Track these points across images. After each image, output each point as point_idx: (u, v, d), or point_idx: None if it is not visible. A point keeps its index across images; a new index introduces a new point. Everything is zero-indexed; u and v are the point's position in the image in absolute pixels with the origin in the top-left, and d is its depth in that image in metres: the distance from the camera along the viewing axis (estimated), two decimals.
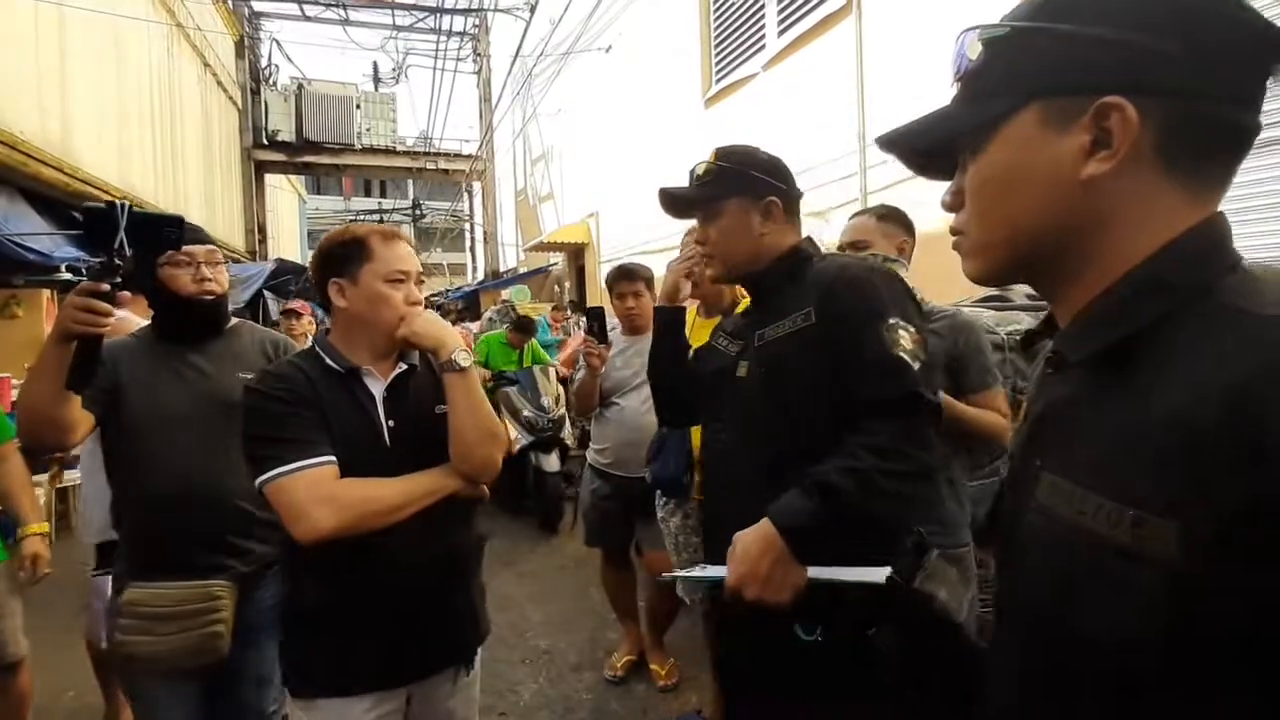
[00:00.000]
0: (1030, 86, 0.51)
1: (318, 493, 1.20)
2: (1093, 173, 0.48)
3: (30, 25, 5.59)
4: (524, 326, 5.36)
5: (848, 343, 1.16)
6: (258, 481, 1.23)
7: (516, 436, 4.71)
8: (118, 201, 1.30)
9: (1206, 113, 0.47)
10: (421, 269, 1.40)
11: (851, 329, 1.16)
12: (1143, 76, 0.47)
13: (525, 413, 4.77)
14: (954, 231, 0.59)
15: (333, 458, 1.24)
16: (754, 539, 1.10)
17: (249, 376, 1.54)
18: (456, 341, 1.33)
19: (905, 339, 1.14)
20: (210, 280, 1.65)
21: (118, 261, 1.30)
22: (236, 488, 1.54)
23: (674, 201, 1.41)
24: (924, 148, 0.60)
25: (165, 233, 1.39)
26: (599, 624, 3.31)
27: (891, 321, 1.14)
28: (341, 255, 1.32)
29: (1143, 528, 0.43)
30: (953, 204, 0.59)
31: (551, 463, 4.79)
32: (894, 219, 1.78)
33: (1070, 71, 0.49)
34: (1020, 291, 2.35)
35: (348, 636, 1.28)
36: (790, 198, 1.34)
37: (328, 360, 1.33)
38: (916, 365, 1.13)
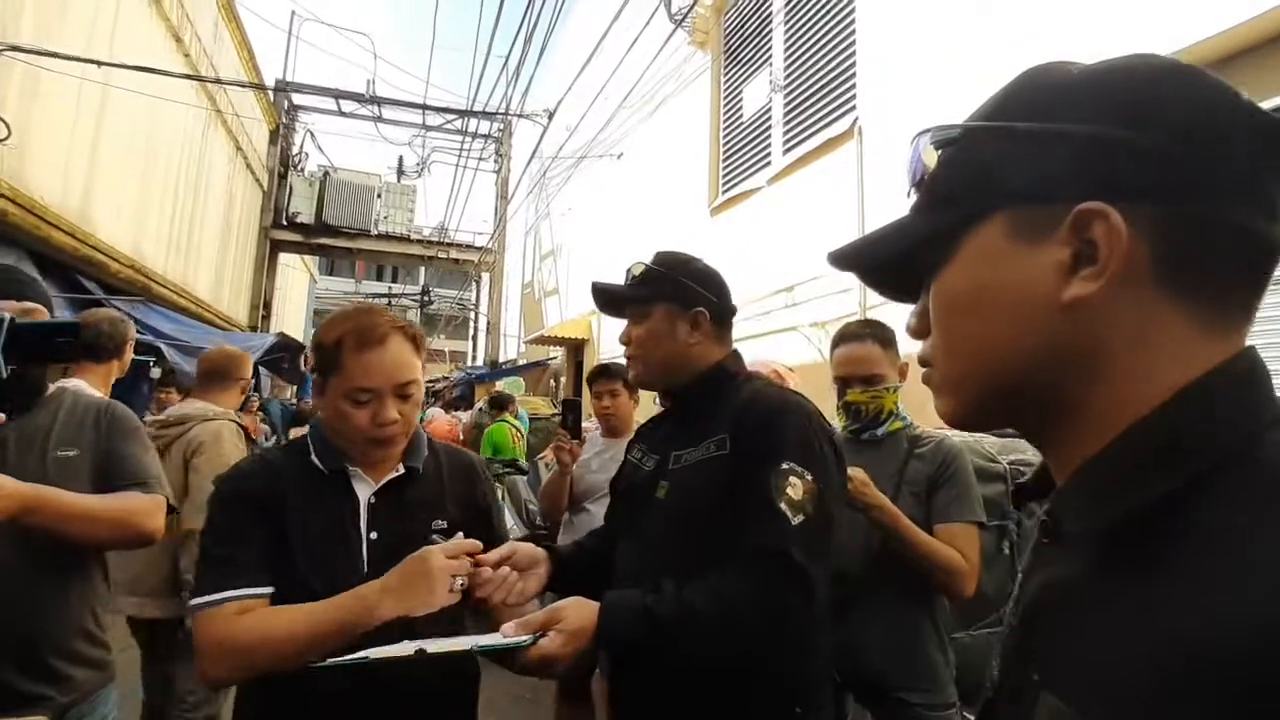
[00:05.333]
0: (994, 193, 0.42)
1: (213, 633, 1.01)
2: (1077, 294, 0.39)
3: (72, 102, 5.86)
4: (500, 403, 5.34)
5: (741, 479, 1.09)
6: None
7: (511, 526, 4.50)
8: None
9: (1215, 220, 0.37)
10: (409, 375, 1.14)
11: (747, 466, 1.09)
12: (1128, 179, 0.38)
13: (530, 506, 4.60)
14: (922, 362, 0.49)
15: (255, 590, 1.04)
16: (588, 624, 0.99)
17: (70, 454, 1.37)
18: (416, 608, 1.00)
19: (795, 488, 1.04)
20: None
21: None
22: (61, 594, 1.32)
23: (605, 297, 1.37)
24: (880, 264, 0.50)
25: (57, 344, 1.22)
26: None
27: (784, 467, 1.05)
28: (319, 355, 1.15)
29: None
30: (917, 329, 0.49)
31: None
32: (893, 342, 1.67)
33: (1040, 175, 0.40)
34: None
35: None
36: (722, 311, 1.30)
37: (313, 456, 1.15)
38: (796, 520, 1.02)
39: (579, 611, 0.98)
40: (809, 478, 1.06)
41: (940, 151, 0.45)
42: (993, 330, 0.43)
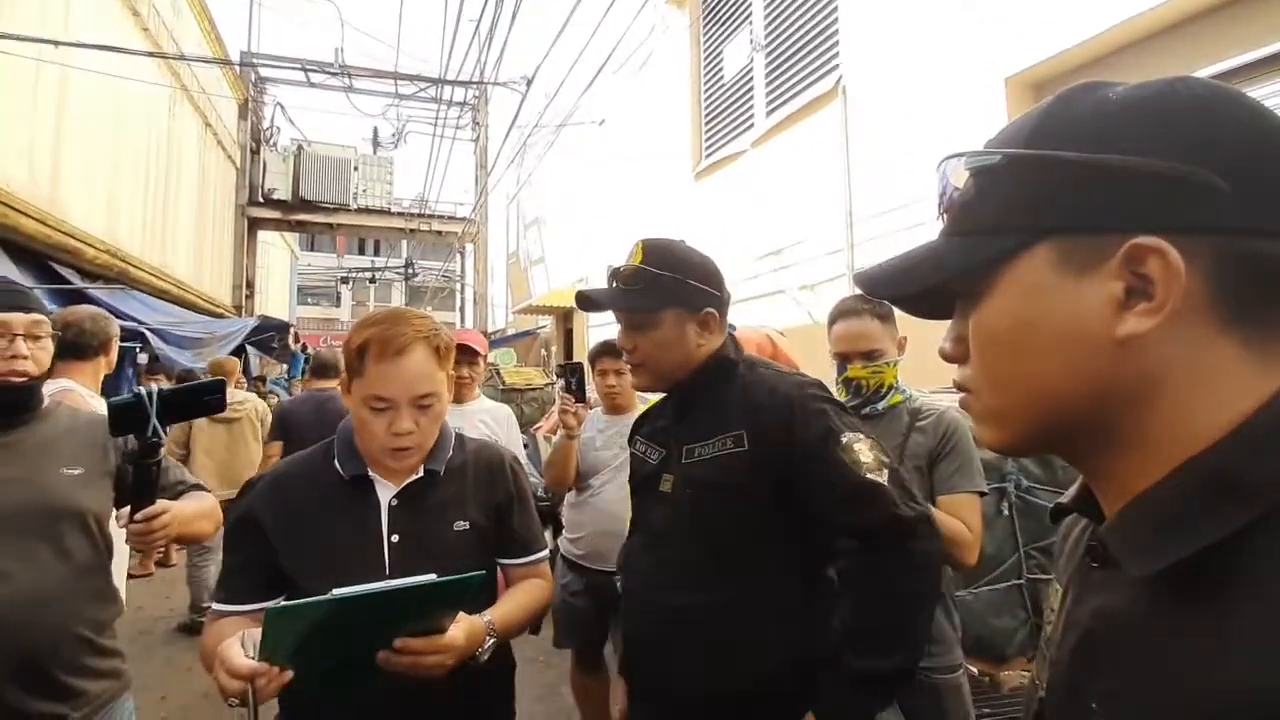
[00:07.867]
0: (1038, 222, 0.41)
1: (204, 635, 1.13)
2: (1133, 330, 0.38)
3: (30, 81, 5.64)
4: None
5: (807, 473, 1.09)
6: None
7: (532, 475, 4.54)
8: (142, 391, 1.27)
9: (1267, 250, 0.37)
10: (427, 387, 1.12)
11: (805, 458, 1.09)
12: (1180, 211, 0.37)
13: (531, 478, 4.60)
14: (960, 388, 0.48)
15: (238, 607, 1.11)
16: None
17: (76, 472, 1.37)
18: (472, 645, 1.07)
19: (864, 452, 1.08)
20: (24, 359, 1.33)
21: (155, 440, 1.30)
22: (69, 611, 1.32)
23: (598, 307, 1.28)
24: (913, 293, 0.48)
25: (206, 401, 1.36)
26: None
27: (845, 440, 1.08)
28: (345, 357, 1.15)
29: None
30: (954, 354, 0.48)
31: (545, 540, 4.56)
32: (890, 316, 1.66)
33: (1087, 206, 0.39)
34: None
35: None
36: (724, 304, 1.26)
37: (335, 460, 1.17)
38: (884, 477, 1.06)
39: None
40: (862, 434, 1.10)
41: (974, 177, 0.43)
42: (1042, 366, 0.41)
